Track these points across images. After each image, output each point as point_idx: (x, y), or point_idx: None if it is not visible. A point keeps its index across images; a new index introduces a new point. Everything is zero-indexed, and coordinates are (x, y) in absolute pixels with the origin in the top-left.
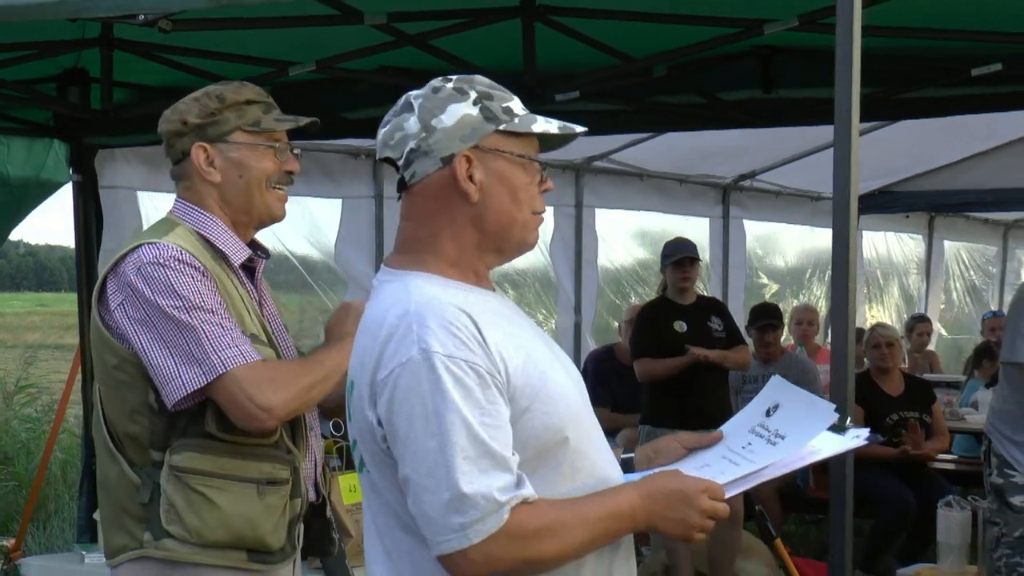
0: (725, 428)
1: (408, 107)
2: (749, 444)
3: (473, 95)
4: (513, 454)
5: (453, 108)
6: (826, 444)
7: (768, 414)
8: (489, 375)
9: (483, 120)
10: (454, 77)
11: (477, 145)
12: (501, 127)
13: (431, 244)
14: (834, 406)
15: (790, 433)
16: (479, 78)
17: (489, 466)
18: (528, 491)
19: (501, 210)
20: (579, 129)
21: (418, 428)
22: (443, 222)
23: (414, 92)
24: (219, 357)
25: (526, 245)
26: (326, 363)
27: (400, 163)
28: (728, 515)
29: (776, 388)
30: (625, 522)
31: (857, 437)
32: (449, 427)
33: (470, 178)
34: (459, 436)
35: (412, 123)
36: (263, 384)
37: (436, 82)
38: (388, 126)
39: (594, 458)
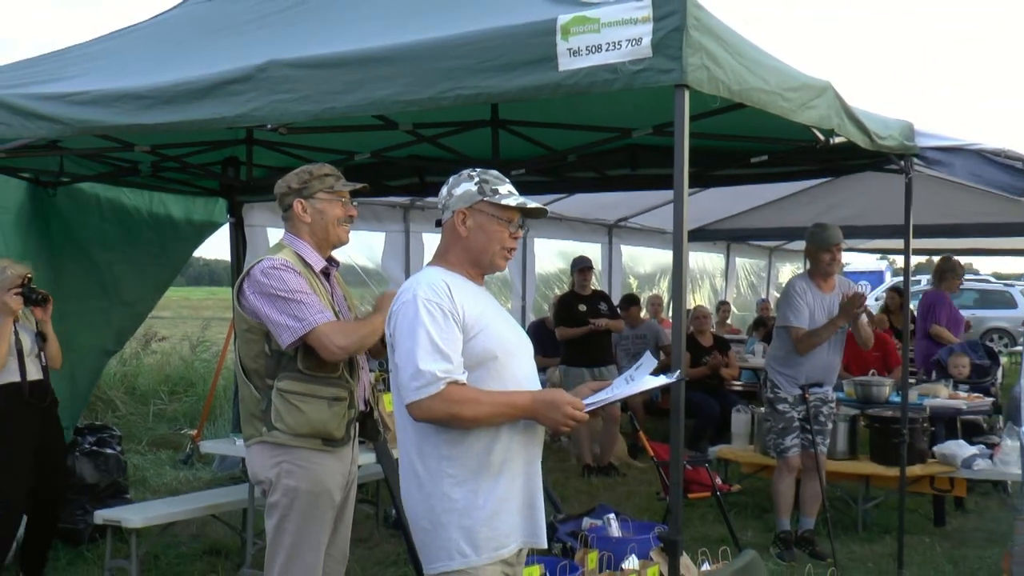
0: (615, 380)
1: (446, 183)
2: (619, 383)
3: (476, 179)
4: (460, 356)
5: (463, 185)
6: (656, 381)
7: (636, 369)
8: (450, 313)
9: (476, 193)
10: (478, 169)
11: (471, 206)
12: (485, 199)
13: (445, 254)
14: (655, 363)
15: (636, 378)
16: (492, 172)
17: (438, 358)
18: (460, 377)
19: (479, 243)
20: (531, 205)
21: (405, 335)
22: (451, 244)
23: (452, 176)
24: (312, 318)
25: (496, 267)
26: (372, 324)
27: (440, 210)
28: (585, 420)
29: (645, 358)
30: (519, 411)
31: (674, 377)
32: (418, 336)
33: (464, 224)
34: (423, 340)
35: (444, 192)
36: (337, 333)
37: (464, 171)
38: (439, 193)
39: (514, 371)
